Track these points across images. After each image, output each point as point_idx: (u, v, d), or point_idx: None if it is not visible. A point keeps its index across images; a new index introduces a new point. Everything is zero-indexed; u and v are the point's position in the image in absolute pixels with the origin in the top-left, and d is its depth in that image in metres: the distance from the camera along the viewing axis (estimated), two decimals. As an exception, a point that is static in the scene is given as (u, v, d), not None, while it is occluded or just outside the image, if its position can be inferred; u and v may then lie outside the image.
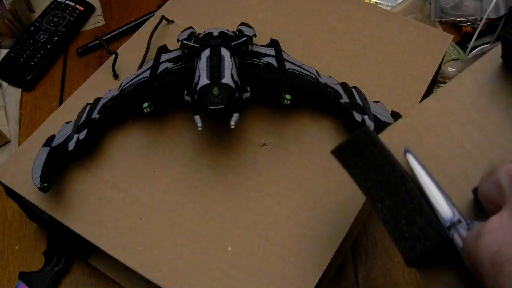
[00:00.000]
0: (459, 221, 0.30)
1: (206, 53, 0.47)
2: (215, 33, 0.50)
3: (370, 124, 0.47)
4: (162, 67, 0.51)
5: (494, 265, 0.25)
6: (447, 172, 0.35)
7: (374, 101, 0.52)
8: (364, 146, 0.35)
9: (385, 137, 0.37)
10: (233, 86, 0.44)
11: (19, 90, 0.75)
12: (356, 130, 0.35)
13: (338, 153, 0.36)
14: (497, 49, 0.38)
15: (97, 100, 0.53)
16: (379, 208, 0.32)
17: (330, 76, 0.54)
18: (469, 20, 0.75)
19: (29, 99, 0.75)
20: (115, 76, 0.58)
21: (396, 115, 0.50)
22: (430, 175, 0.33)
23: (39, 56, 0.77)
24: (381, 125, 0.48)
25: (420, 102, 0.53)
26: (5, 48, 0.79)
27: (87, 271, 0.58)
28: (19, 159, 0.51)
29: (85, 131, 0.48)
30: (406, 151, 0.35)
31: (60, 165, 0.48)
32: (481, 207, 0.32)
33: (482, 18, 0.72)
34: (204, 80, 0.44)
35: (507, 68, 0.38)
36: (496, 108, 0.37)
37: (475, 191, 0.33)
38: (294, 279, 0.42)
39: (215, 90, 0.43)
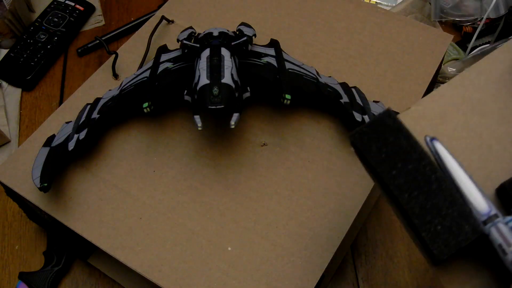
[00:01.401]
0: (496, 216, 0.28)
1: (206, 53, 0.47)
2: (215, 33, 0.50)
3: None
4: (162, 67, 0.51)
5: None
6: (465, 165, 0.32)
7: (374, 101, 0.52)
8: (388, 131, 0.31)
9: None
10: (233, 86, 0.44)
11: (19, 90, 0.75)
12: (380, 113, 0.32)
13: (358, 137, 0.32)
14: None
15: (97, 100, 0.53)
16: (406, 199, 0.29)
17: (330, 76, 0.54)
18: (469, 20, 0.75)
19: (29, 99, 0.75)
20: (115, 76, 0.58)
21: (396, 115, 0.50)
22: (461, 165, 0.30)
23: (39, 56, 0.77)
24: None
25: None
26: (5, 48, 0.79)
27: (87, 271, 0.58)
28: (19, 159, 0.51)
29: (85, 131, 0.48)
30: (432, 139, 0.32)
31: (60, 165, 0.49)
32: (505, 205, 0.30)
33: (482, 18, 0.72)
34: (204, 80, 0.44)
35: None
36: None
37: (498, 190, 0.31)
38: (294, 279, 0.42)
39: (215, 90, 0.43)
